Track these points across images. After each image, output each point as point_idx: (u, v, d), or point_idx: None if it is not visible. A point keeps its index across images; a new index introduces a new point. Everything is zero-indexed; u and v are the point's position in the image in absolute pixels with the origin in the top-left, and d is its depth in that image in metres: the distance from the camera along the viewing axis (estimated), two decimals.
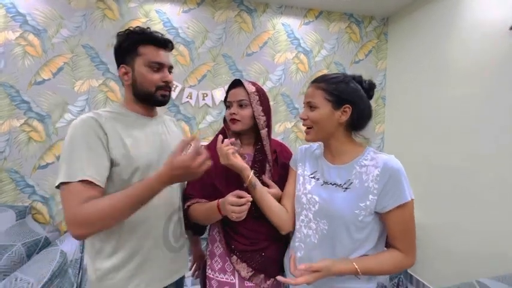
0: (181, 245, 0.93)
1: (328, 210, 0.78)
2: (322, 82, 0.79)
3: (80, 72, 1.90)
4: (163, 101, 0.89)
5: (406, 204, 0.71)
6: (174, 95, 2.01)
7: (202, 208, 0.89)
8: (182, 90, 2.05)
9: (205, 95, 2.08)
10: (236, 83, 0.98)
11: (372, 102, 2.46)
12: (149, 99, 0.87)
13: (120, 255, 0.79)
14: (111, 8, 1.92)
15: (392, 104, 2.40)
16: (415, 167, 2.11)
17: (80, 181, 0.69)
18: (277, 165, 0.99)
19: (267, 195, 0.87)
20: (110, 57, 1.92)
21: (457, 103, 1.76)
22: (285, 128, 2.25)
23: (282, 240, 0.95)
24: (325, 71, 2.31)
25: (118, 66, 0.87)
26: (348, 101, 0.77)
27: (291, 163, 0.96)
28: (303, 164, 0.91)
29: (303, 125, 0.83)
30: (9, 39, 1.79)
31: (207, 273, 0.96)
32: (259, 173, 0.93)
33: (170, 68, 0.91)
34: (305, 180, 0.86)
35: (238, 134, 0.99)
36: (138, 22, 1.96)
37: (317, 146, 0.94)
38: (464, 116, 1.72)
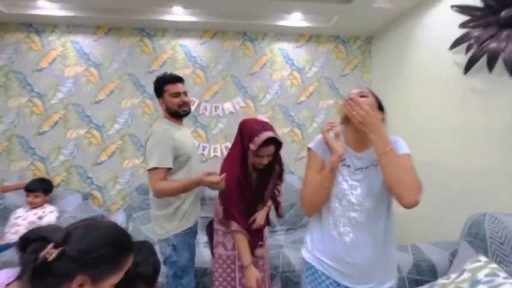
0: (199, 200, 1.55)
1: (372, 188, 0.89)
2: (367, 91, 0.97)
3: (125, 93, 2.55)
4: (185, 113, 1.48)
5: (404, 154, 0.87)
6: (192, 108, 2.59)
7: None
8: (199, 104, 2.62)
9: (217, 107, 2.63)
10: (271, 141, 1.22)
11: None
12: (177, 114, 1.45)
13: (187, 203, 1.40)
14: (147, 45, 2.57)
15: None
16: None
17: (162, 168, 1.29)
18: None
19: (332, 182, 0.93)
20: (146, 82, 2.55)
21: (424, 109, 2.11)
22: (282, 133, 2.72)
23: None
24: (316, 84, 2.76)
25: (158, 99, 1.48)
26: (382, 109, 0.97)
27: (316, 149, 0.99)
28: (329, 152, 0.92)
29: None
30: (78, 72, 2.50)
31: (214, 227, 1.45)
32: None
33: (185, 92, 1.47)
34: (340, 168, 0.92)
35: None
36: (167, 54, 2.58)
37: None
38: (430, 120, 2.05)
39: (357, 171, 0.92)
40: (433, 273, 1.37)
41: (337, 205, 0.92)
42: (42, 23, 2.43)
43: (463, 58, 1.73)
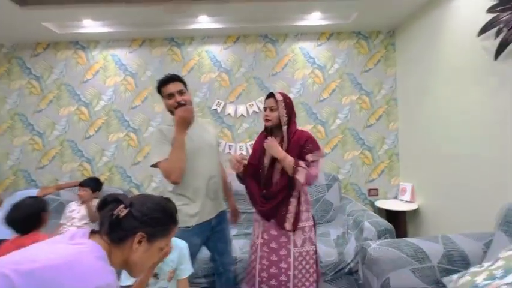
0: (217, 196, 1.49)
1: None
2: None
3: (158, 98, 2.76)
4: None
5: None
6: (219, 109, 2.75)
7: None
8: (224, 106, 2.77)
9: (241, 108, 2.76)
10: (270, 95, 1.43)
11: (384, 103, 2.81)
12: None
13: (189, 203, 1.39)
14: (176, 53, 2.78)
15: (404, 104, 2.71)
16: (425, 159, 2.39)
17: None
18: (295, 148, 1.37)
19: None
20: None
21: (454, 100, 2.04)
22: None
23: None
24: (338, 81, 2.78)
25: None
26: None
27: None
28: None
29: None
30: (117, 81, 2.78)
31: None
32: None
33: (180, 91, 1.35)
34: None
35: (271, 130, 1.44)
36: (194, 60, 2.77)
37: None
38: (460, 110, 1.98)
39: None
40: (465, 263, 1.34)
41: None
42: (86, 40, 2.75)
43: (492, 44, 1.66)
